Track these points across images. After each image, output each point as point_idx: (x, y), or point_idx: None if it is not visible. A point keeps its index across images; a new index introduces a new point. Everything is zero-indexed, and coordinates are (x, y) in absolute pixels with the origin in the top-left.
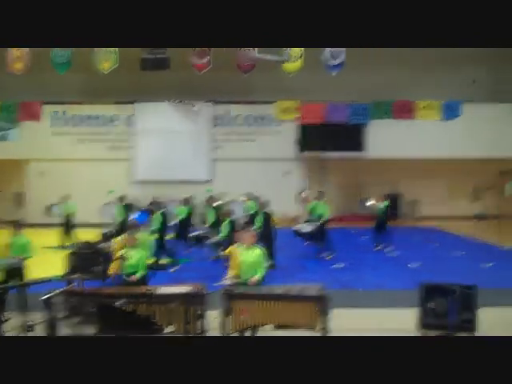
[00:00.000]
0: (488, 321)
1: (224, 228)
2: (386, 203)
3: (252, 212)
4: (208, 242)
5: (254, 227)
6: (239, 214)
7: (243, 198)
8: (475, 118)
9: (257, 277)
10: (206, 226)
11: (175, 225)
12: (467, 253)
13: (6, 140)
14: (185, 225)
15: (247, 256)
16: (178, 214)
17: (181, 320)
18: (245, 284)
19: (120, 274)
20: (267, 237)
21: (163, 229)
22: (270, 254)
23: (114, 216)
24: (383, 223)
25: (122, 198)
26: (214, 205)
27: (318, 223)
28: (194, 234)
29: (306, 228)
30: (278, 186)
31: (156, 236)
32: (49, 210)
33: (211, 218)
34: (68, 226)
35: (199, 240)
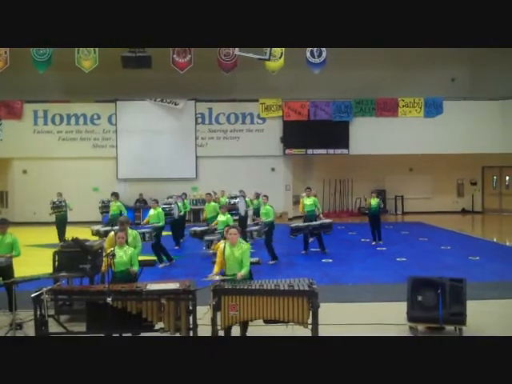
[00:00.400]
0: (475, 314)
1: (227, 222)
2: (378, 200)
3: (254, 207)
4: (207, 237)
5: (269, 220)
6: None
7: (243, 194)
8: (456, 115)
9: (242, 273)
10: (215, 222)
11: (174, 220)
12: (453, 246)
13: None
14: (182, 220)
15: (232, 252)
16: (181, 209)
17: (171, 316)
18: (233, 279)
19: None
20: (270, 229)
21: (163, 225)
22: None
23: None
24: (378, 219)
25: (117, 195)
26: (213, 200)
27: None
28: (193, 228)
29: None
30: (263, 182)
31: (158, 233)
32: (59, 206)
33: (210, 213)
34: (64, 223)
35: (199, 235)
